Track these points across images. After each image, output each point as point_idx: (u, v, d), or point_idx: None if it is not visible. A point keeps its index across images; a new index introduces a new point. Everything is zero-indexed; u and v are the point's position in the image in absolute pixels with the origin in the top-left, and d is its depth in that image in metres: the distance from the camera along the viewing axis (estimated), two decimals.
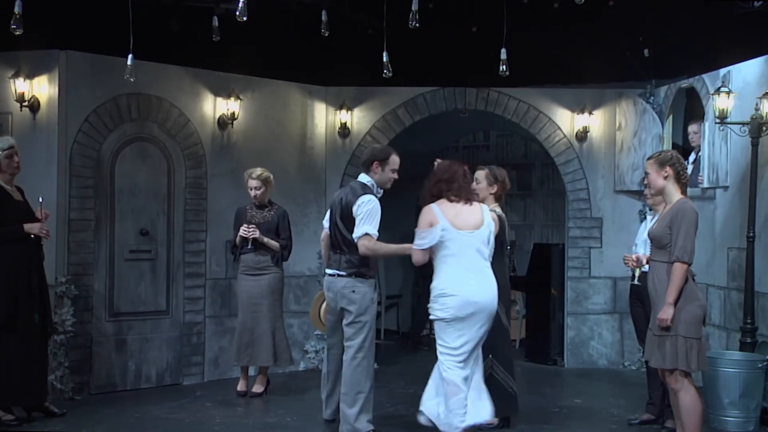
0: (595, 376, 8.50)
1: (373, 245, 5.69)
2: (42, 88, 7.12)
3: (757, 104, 6.63)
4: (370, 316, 5.83)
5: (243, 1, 5.64)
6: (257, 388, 7.36)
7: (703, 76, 7.79)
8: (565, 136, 8.93)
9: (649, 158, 5.46)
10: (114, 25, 6.14)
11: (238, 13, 5.67)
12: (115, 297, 7.42)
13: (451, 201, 5.41)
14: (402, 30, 6.02)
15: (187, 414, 6.71)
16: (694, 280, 5.24)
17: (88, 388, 7.22)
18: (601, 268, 8.86)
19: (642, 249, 6.28)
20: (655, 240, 5.26)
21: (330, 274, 5.95)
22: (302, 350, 8.55)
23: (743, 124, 6.75)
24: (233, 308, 7.85)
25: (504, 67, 6.41)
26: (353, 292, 5.80)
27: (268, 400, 7.25)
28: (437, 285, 5.36)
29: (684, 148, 8.23)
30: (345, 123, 8.82)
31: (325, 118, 8.86)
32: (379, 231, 5.71)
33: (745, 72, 7.20)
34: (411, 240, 5.45)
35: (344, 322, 5.86)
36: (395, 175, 5.96)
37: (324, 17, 6.49)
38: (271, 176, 7.37)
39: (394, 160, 5.93)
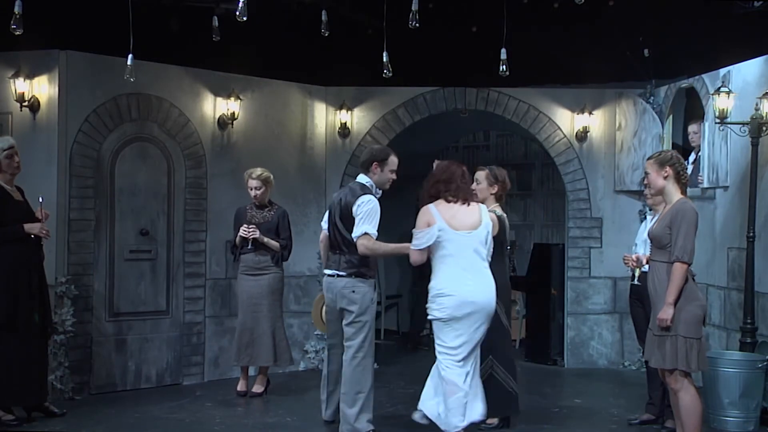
0: (595, 376, 8.49)
1: (372, 245, 5.70)
2: (42, 88, 7.13)
3: (757, 104, 6.63)
4: (370, 316, 5.84)
5: (243, 1, 5.64)
6: (257, 388, 7.36)
7: (703, 76, 7.79)
8: (565, 136, 8.93)
9: (649, 158, 5.46)
10: (114, 25, 6.15)
11: (238, 13, 5.67)
12: (115, 297, 7.42)
13: (449, 201, 5.41)
14: (402, 30, 6.02)
15: (187, 414, 6.71)
16: (694, 280, 5.24)
17: (88, 388, 7.22)
18: (601, 268, 8.86)
19: (642, 249, 6.28)
20: (655, 240, 5.26)
21: (329, 275, 5.95)
22: (302, 350, 8.55)
23: (743, 124, 6.74)
24: (233, 308, 7.85)
25: (504, 67, 6.41)
26: (353, 292, 5.80)
27: (268, 400, 7.25)
28: (435, 285, 5.36)
29: (684, 148, 8.23)
30: (345, 123, 8.82)
31: (325, 118, 8.86)
32: (378, 231, 5.72)
33: (745, 72, 7.20)
34: (410, 240, 5.45)
35: (344, 322, 5.86)
36: (394, 176, 5.97)
37: (324, 17, 6.49)
38: (271, 176, 7.37)
39: (393, 160, 5.94)
